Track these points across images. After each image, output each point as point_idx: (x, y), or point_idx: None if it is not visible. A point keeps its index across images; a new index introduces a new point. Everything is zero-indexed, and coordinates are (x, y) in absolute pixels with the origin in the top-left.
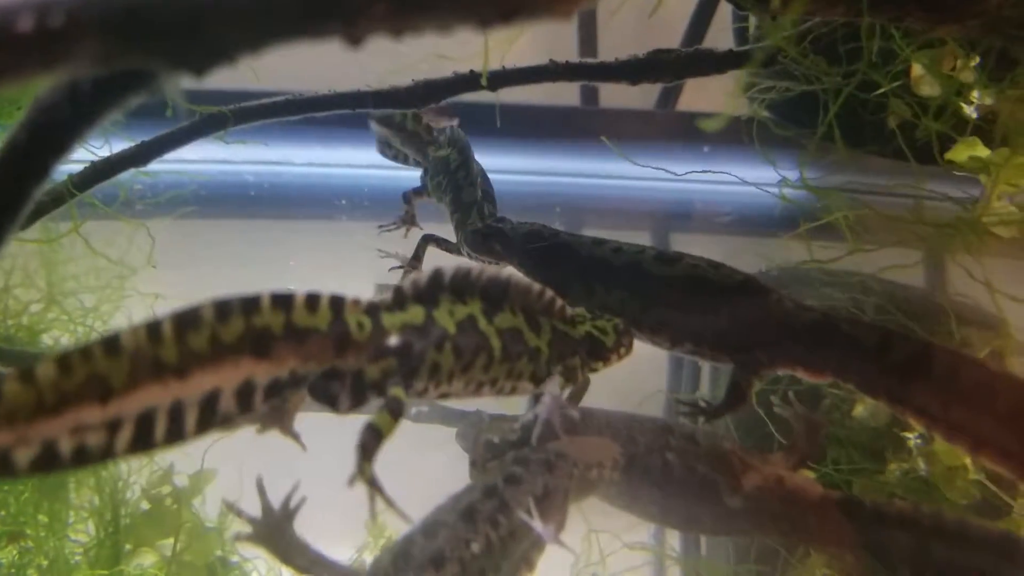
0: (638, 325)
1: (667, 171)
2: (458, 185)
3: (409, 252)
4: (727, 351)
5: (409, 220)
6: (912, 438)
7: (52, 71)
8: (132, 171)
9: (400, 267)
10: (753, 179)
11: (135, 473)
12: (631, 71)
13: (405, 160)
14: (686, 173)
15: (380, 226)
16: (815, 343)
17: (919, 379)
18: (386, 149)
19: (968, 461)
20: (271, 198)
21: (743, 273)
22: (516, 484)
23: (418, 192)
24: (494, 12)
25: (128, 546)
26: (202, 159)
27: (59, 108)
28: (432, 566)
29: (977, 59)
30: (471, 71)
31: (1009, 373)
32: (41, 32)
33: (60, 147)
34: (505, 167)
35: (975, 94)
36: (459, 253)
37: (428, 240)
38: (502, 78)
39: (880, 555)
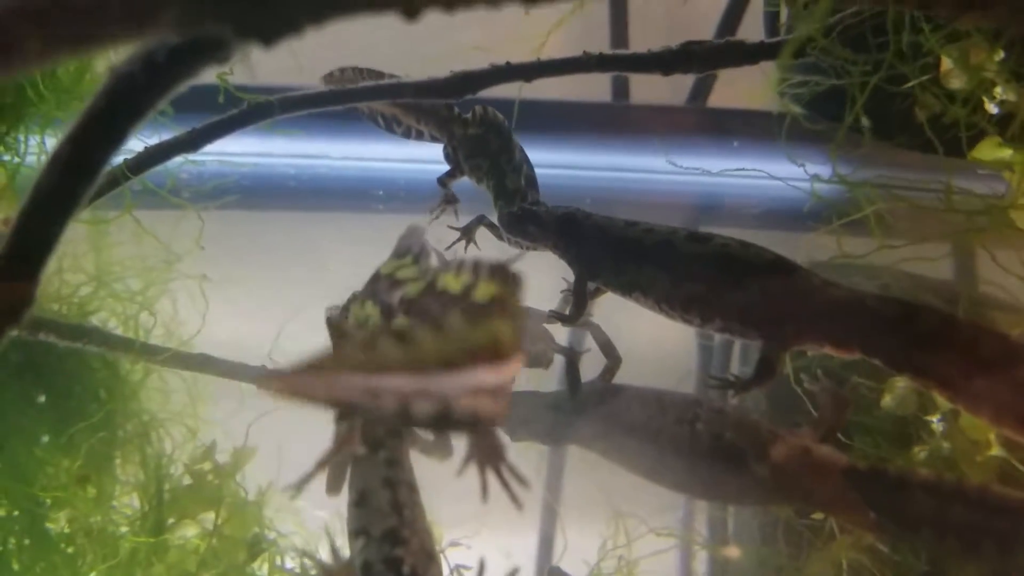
0: (669, 302)
1: (702, 170)
2: (501, 171)
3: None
4: (756, 327)
5: (451, 200)
6: (935, 421)
7: (138, 36)
8: (180, 160)
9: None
10: (783, 174)
11: (178, 449)
12: (663, 62)
13: (420, 136)
14: (720, 172)
15: (432, 216)
16: (842, 318)
17: (942, 351)
18: (394, 126)
19: (991, 436)
20: (311, 190)
21: (773, 252)
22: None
23: (451, 175)
24: None
25: (171, 519)
26: (244, 151)
27: (136, 76)
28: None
29: (1002, 53)
30: (507, 62)
31: None
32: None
33: (136, 113)
34: (538, 161)
35: (998, 89)
36: (501, 238)
37: (481, 220)
38: (536, 69)
39: (902, 520)
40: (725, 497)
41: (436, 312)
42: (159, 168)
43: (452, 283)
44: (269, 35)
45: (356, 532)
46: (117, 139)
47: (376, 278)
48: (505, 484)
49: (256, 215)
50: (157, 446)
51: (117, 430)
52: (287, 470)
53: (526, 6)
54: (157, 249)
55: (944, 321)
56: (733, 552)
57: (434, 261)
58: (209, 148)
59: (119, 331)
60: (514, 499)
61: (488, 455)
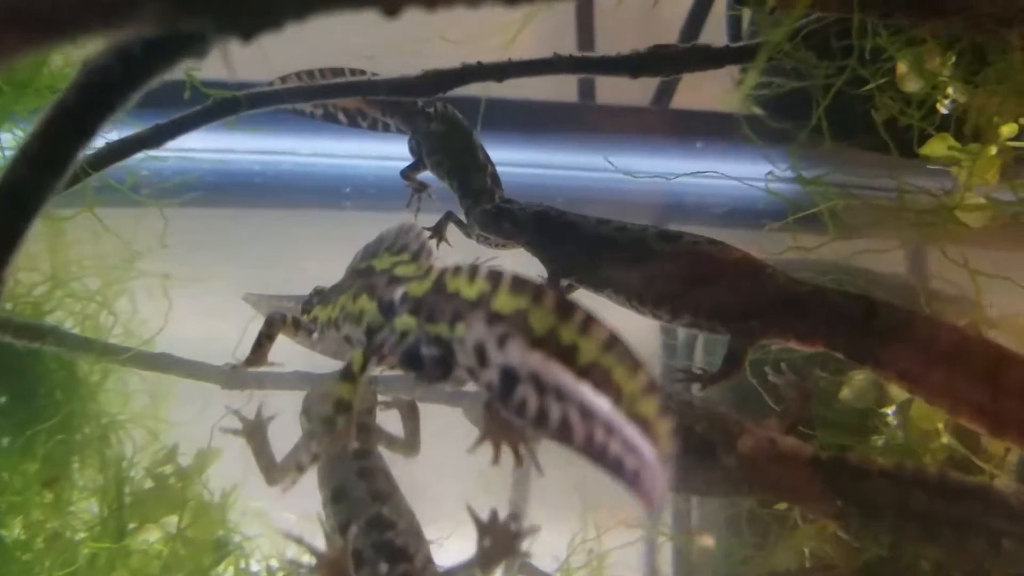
0: (641, 299)
1: (661, 174)
2: (464, 169)
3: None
4: (723, 321)
5: (420, 189)
6: (889, 412)
7: (116, 29)
8: (141, 156)
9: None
10: (746, 174)
11: (139, 452)
12: (632, 65)
13: (386, 128)
14: (677, 176)
15: (413, 211)
16: (806, 313)
17: (902, 344)
18: (359, 120)
19: (940, 426)
20: (277, 187)
21: (739, 250)
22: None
23: (414, 168)
24: None
25: (133, 524)
26: (207, 147)
27: (110, 70)
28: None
29: (954, 58)
30: (478, 62)
31: (983, 336)
32: None
33: (108, 108)
34: (511, 160)
35: (950, 90)
36: (469, 236)
37: (449, 217)
38: (507, 70)
39: (865, 507)
40: (695, 489)
41: (448, 315)
42: (119, 165)
43: (465, 288)
44: (250, 31)
45: (342, 525)
46: (87, 134)
47: (369, 272)
48: (519, 459)
49: (220, 212)
50: (117, 449)
51: (75, 433)
52: (252, 472)
53: (506, 6)
54: (116, 247)
55: (903, 316)
56: (708, 541)
57: (435, 261)
58: (171, 144)
59: (76, 331)
60: (537, 467)
61: (504, 432)
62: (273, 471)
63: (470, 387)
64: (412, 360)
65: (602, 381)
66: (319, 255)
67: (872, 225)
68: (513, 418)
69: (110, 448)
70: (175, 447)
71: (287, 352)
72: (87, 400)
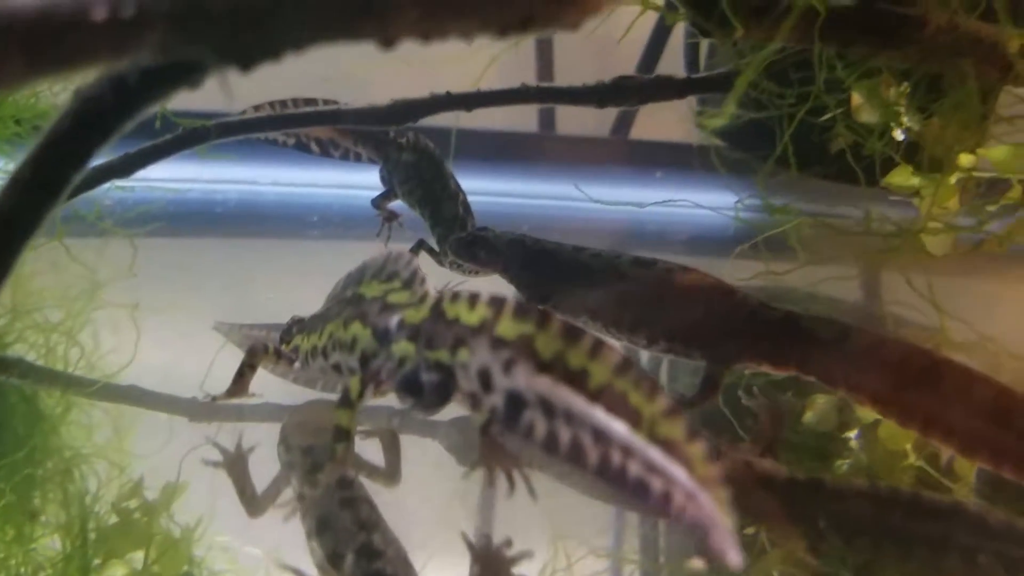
0: (617, 325)
1: (628, 203)
2: (436, 198)
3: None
4: (699, 347)
5: (391, 218)
6: (852, 436)
7: (119, 58)
8: (106, 185)
9: None
10: (704, 202)
11: (103, 486)
12: (598, 95)
13: (358, 159)
14: (649, 204)
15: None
16: (779, 338)
17: (873, 367)
18: (331, 149)
19: (908, 447)
20: (241, 216)
21: (713, 276)
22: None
23: (385, 196)
24: (513, 20)
25: (97, 560)
26: (170, 177)
27: (104, 98)
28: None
29: (909, 89)
30: (447, 92)
31: (952, 360)
32: (113, 21)
33: (102, 135)
34: (471, 189)
35: (904, 120)
36: (442, 264)
37: (422, 245)
38: (476, 99)
39: (840, 528)
40: None
41: (449, 341)
42: (83, 195)
43: (466, 315)
44: (249, 61)
45: (329, 556)
46: (80, 162)
47: (358, 300)
48: (513, 483)
49: (185, 242)
50: (80, 483)
51: (37, 468)
52: (219, 505)
53: (497, 39)
54: (77, 278)
55: (874, 339)
56: (697, 564)
57: (430, 288)
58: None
59: (38, 364)
60: (531, 492)
61: (500, 459)
62: (255, 503)
63: (443, 415)
64: (411, 386)
65: (617, 404)
66: (287, 284)
67: (834, 252)
68: (519, 443)
69: (73, 483)
70: (140, 481)
71: (261, 383)
72: (49, 434)
